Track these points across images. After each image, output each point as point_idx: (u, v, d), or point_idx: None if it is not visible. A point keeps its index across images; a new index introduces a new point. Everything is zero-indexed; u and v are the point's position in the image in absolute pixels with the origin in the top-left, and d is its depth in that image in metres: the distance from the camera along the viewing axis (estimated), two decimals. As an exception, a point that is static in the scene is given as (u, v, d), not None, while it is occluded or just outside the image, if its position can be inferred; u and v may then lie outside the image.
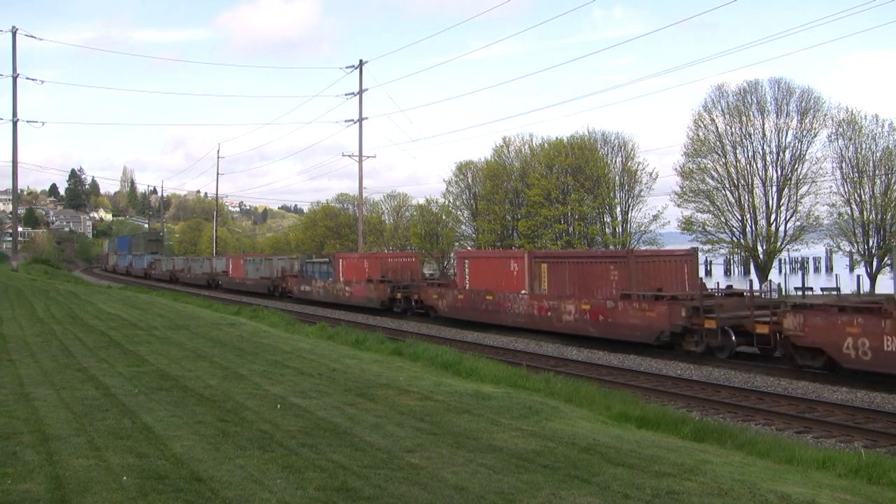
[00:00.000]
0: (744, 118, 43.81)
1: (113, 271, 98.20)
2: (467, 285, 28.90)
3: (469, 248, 60.58)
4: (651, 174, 51.26)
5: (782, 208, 43.53)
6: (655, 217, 51.04)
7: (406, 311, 33.68)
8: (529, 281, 25.62)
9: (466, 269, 29.26)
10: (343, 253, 49.67)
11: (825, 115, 42.36)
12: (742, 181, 43.99)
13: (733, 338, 19.23)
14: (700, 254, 40.89)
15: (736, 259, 71.54)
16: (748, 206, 44.12)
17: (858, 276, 35.90)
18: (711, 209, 45.21)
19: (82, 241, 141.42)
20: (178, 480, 6.36)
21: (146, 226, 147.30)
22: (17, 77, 49.95)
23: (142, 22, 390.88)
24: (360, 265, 38.87)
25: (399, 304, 33.91)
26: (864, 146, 40.39)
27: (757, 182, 44.04)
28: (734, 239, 44.89)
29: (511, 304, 25.92)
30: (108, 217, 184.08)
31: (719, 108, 44.77)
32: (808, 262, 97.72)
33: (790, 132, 43.06)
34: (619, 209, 51.76)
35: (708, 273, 78.60)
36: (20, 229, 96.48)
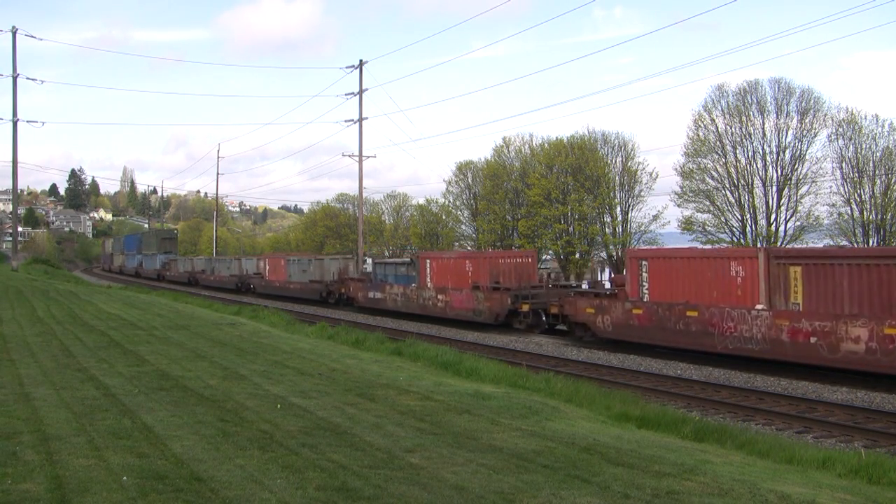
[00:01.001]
0: (744, 118, 43.86)
1: (119, 272, 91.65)
2: (646, 296, 21.88)
3: (469, 248, 60.46)
4: (651, 174, 51.39)
5: (782, 208, 43.59)
6: (655, 217, 51.13)
7: (533, 328, 26.70)
8: (767, 291, 18.83)
9: (645, 274, 22.22)
10: (433, 253, 43.11)
11: (825, 115, 42.44)
12: (742, 181, 44.02)
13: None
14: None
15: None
16: (748, 206, 44.15)
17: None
18: (711, 209, 45.26)
19: (82, 241, 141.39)
20: (178, 480, 6.36)
21: (146, 226, 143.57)
22: (17, 77, 49.96)
23: (143, 22, 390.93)
24: (459, 268, 30.38)
25: (524, 319, 26.73)
26: (864, 146, 40.45)
27: (757, 182, 44.09)
28: (734, 239, 44.91)
29: (733, 325, 19.06)
30: (108, 217, 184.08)
31: (719, 108, 44.86)
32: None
33: (790, 132, 43.14)
34: (619, 209, 51.79)
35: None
36: (20, 229, 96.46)
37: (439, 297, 30.49)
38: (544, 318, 26.79)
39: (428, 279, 31.73)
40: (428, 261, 32.05)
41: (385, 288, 34.33)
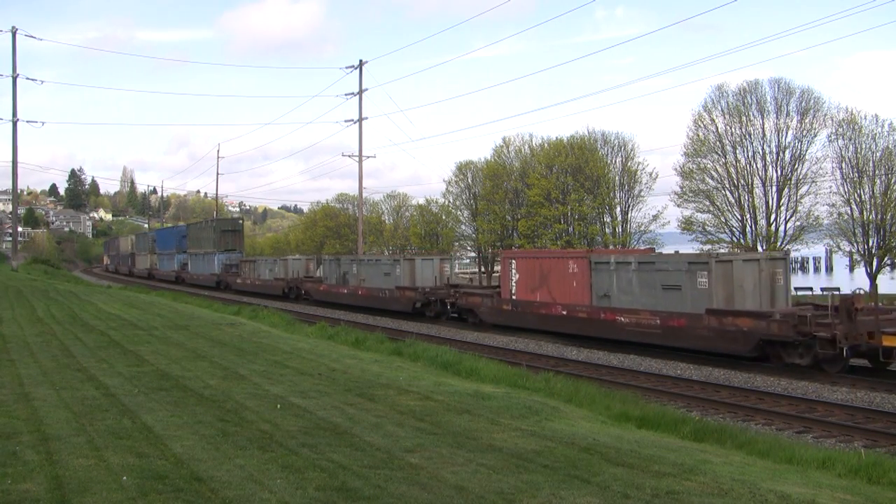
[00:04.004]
0: (744, 118, 43.81)
1: (148, 277, 73.72)
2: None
3: (469, 248, 60.41)
4: (651, 174, 51.30)
5: (782, 208, 43.53)
6: (655, 217, 51.09)
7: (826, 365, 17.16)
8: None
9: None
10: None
11: (825, 115, 42.37)
12: (742, 181, 43.99)
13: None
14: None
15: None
16: (748, 206, 44.11)
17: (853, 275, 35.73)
18: (711, 209, 45.22)
19: (82, 242, 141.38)
20: (177, 480, 6.36)
21: (146, 226, 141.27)
22: (17, 77, 49.96)
23: (146, 22, 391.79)
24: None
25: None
26: (864, 146, 40.38)
27: (757, 182, 44.04)
28: (734, 239, 44.88)
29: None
30: (108, 217, 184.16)
31: (719, 108, 44.79)
32: (808, 262, 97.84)
33: (790, 132, 43.07)
34: (618, 209, 51.78)
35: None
36: (20, 229, 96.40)
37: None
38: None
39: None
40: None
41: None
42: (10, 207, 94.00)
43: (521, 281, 25.87)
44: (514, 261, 26.45)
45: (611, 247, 50.79)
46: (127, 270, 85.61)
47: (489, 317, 27.39)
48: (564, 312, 23.59)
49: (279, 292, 44.62)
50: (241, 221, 66.48)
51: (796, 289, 21.04)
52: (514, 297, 26.06)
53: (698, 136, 45.40)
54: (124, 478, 6.38)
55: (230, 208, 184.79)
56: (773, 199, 43.63)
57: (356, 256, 40.25)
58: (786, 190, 43.14)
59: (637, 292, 21.11)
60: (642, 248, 44.84)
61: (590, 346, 22.88)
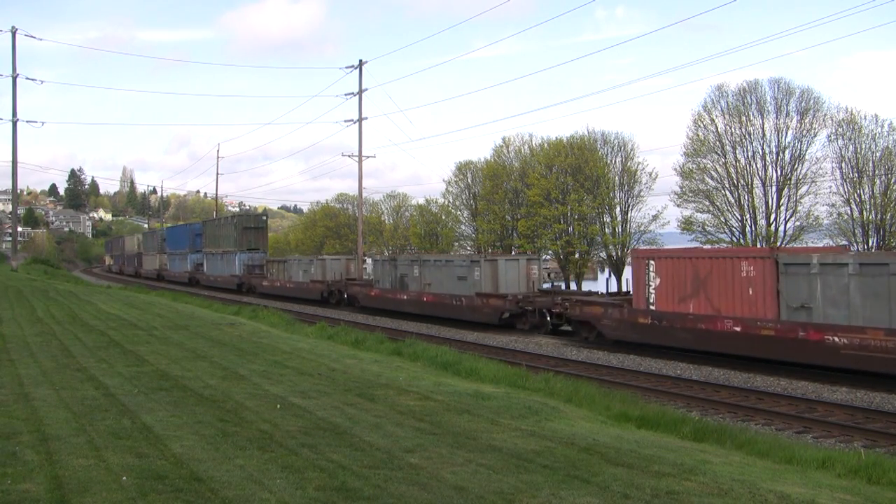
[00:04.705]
0: (743, 118, 43.85)
1: (157, 278, 69.67)
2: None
3: (469, 248, 60.45)
4: (651, 174, 51.39)
5: (782, 208, 43.58)
6: (655, 217, 51.14)
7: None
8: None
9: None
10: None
11: (825, 115, 42.43)
12: (742, 181, 44.02)
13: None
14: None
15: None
16: (748, 206, 44.15)
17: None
18: (711, 209, 45.27)
19: (82, 242, 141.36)
20: (177, 480, 6.36)
21: (146, 226, 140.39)
22: (16, 77, 49.96)
23: (147, 21, 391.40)
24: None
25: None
26: (863, 146, 40.42)
27: (757, 182, 44.08)
28: (734, 239, 44.92)
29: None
30: (108, 217, 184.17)
31: (719, 108, 44.85)
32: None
33: (790, 132, 43.13)
34: (618, 209, 51.81)
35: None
36: (20, 229, 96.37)
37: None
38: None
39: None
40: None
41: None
42: (10, 207, 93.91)
43: (663, 287, 20.75)
44: (652, 261, 21.45)
45: (610, 247, 50.83)
46: (133, 271, 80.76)
47: (615, 332, 22.08)
48: (737, 329, 18.46)
49: (317, 296, 40.31)
50: (265, 218, 59.06)
51: None
52: (653, 308, 21.04)
53: (698, 136, 45.45)
54: (124, 478, 6.37)
55: (230, 208, 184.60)
56: (772, 199, 43.69)
57: (418, 256, 34.21)
58: (786, 190, 43.17)
59: (858, 304, 16.29)
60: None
61: (590, 346, 22.88)
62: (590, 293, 27.71)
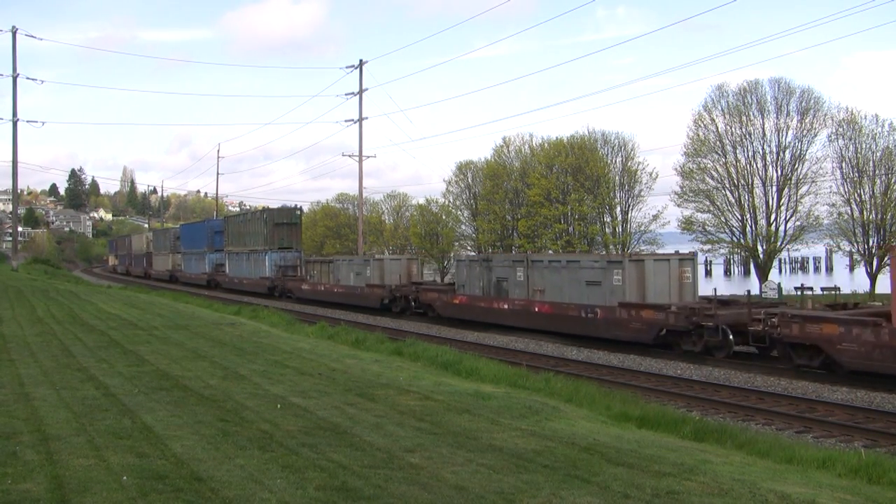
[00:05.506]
0: (744, 118, 43.82)
1: (170, 280, 64.41)
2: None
3: (469, 248, 60.51)
4: (651, 174, 51.32)
5: (782, 208, 43.55)
6: (655, 217, 51.09)
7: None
8: None
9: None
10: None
11: (825, 114, 42.39)
12: (742, 181, 44.00)
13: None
14: (700, 254, 41.29)
15: (736, 259, 71.56)
16: (748, 205, 44.13)
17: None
18: (711, 209, 45.23)
19: (82, 241, 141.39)
20: (178, 480, 6.36)
21: (146, 225, 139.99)
22: (17, 77, 49.98)
23: (148, 21, 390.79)
24: None
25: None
26: (864, 146, 40.38)
27: (757, 182, 44.06)
28: (734, 239, 44.92)
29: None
30: (108, 217, 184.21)
31: (719, 108, 44.80)
32: (808, 262, 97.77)
33: (790, 132, 43.09)
34: (619, 209, 51.79)
35: (708, 273, 78.58)
36: (20, 229, 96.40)
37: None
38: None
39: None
40: None
41: None
42: (10, 207, 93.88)
43: None
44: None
45: (611, 247, 50.84)
46: (142, 272, 74.13)
47: (862, 361, 16.08)
48: None
49: (375, 304, 34.55)
50: (299, 213, 51.29)
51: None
52: None
53: (698, 135, 45.42)
54: (124, 478, 6.37)
55: (230, 208, 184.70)
56: (773, 198, 43.67)
57: (524, 256, 27.78)
58: (786, 190, 43.15)
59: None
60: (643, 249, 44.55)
61: (590, 346, 22.88)
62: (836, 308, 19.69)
